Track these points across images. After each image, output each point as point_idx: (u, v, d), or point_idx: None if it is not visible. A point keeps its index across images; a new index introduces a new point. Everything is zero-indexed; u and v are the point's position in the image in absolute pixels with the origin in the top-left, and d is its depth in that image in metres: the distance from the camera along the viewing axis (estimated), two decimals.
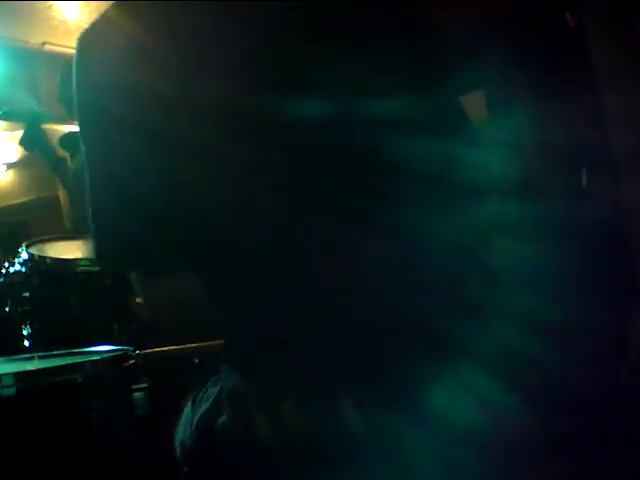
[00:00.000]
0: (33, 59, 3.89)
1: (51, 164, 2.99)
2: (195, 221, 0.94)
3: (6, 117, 3.27)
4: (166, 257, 0.99)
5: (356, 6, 0.91)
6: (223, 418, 0.98)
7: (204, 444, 1.03)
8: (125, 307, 2.03)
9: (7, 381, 1.20)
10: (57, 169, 3.01)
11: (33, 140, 2.87)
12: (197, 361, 1.92)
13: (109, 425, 1.29)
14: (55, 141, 3.12)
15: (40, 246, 2.15)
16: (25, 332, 1.98)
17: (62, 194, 3.20)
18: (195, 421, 1.04)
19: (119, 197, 0.95)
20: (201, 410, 1.05)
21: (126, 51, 0.91)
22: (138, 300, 2.03)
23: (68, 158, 3.03)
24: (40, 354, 1.56)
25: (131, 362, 1.39)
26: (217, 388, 1.03)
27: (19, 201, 4.51)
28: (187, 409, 1.12)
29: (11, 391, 1.19)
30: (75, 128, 1.00)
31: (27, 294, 2.03)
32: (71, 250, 2.16)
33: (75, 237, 2.39)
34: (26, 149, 2.91)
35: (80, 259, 2.07)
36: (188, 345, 1.94)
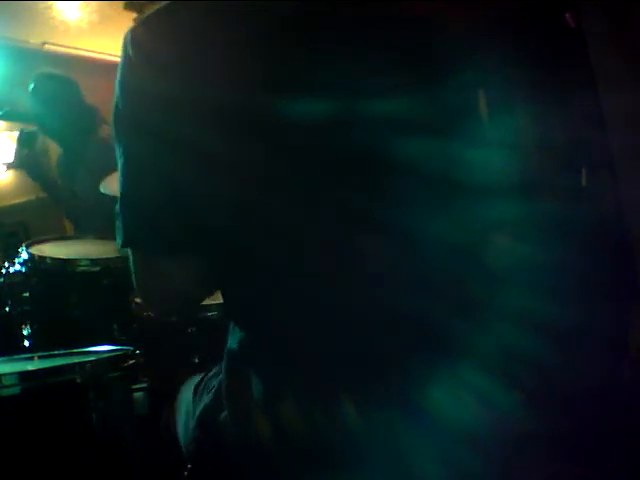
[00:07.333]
0: (33, 59, 3.88)
1: (43, 186, 3.05)
2: (196, 221, 0.94)
3: (6, 117, 3.27)
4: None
5: (356, 6, 0.91)
6: (224, 413, 0.98)
7: (205, 442, 1.03)
8: (125, 307, 2.03)
9: (8, 381, 1.20)
10: (49, 191, 3.07)
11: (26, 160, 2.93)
12: (197, 361, 1.92)
13: (109, 425, 1.29)
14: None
15: (40, 246, 2.15)
16: (25, 332, 1.98)
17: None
18: (197, 415, 1.04)
19: (126, 195, 0.96)
20: (202, 404, 1.05)
21: (147, 61, 0.92)
22: (138, 300, 2.03)
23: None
24: (40, 354, 1.57)
25: (131, 362, 1.39)
26: (217, 380, 1.03)
27: (19, 201, 4.51)
28: (187, 395, 1.11)
29: (12, 391, 1.19)
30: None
31: (27, 294, 2.03)
32: (71, 250, 2.16)
33: (75, 237, 2.40)
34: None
35: (80, 259, 2.07)
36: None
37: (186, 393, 1.15)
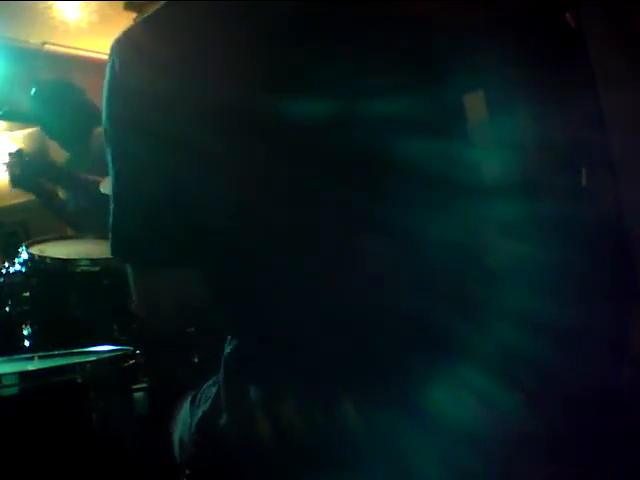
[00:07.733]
0: (33, 59, 3.88)
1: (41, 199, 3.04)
2: (196, 221, 0.94)
3: (6, 117, 3.27)
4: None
5: (356, 6, 0.91)
6: (223, 419, 0.97)
7: (205, 445, 1.02)
8: (125, 307, 2.03)
9: (8, 381, 1.20)
10: (48, 204, 3.06)
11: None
12: (197, 360, 1.92)
13: (109, 425, 1.29)
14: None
15: (40, 246, 2.15)
16: (25, 332, 1.98)
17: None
18: (195, 422, 1.04)
19: (125, 197, 0.95)
20: (200, 411, 1.04)
21: (144, 62, 0.91)
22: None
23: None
24: (40, 354, 1.56)
25: (131, 362, 1.39)
26: (215, 388, 1.03)
27: (19, 201, 4.50)
28: (185, 407, 1.11)
29: (12, 391, 1.19)
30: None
31: (27, 294, 2.03)
32: (71, 250, 2.16)
33: (75, 237, 2.39)
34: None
35: (80, 259, 2.07)
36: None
37: (183, 411, 1.14)
